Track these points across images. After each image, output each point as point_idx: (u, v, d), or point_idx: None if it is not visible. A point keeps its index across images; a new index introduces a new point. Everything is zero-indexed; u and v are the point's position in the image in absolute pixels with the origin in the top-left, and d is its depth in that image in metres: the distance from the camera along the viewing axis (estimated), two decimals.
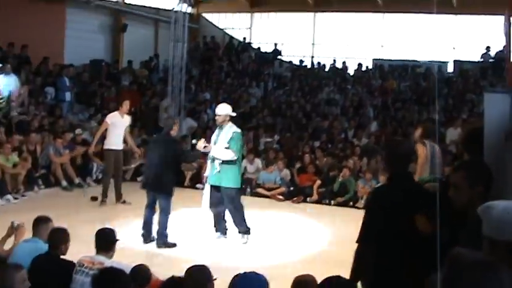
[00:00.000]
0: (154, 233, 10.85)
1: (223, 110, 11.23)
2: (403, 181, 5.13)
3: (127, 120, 14.30)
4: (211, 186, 11.16)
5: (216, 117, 11.44)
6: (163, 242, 10.71)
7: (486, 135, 4.48)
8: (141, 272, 5.93)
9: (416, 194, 5.02)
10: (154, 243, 10.77)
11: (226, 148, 10.90)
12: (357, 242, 5.07)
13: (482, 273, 2.24)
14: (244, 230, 11.21)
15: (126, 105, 14.13)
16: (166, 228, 10.75)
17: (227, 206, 11.12)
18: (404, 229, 4.69)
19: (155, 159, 10.93)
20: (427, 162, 9.43)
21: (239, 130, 11.21)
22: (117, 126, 13.86)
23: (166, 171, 10.93)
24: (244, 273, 3.86)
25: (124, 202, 14.00)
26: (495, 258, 2.48)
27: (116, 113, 14.14)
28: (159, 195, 10.84)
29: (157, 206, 10.95)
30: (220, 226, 11.36)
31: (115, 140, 13.89)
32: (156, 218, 10.89)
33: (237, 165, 11.05)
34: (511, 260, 2.61)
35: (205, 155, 12.05)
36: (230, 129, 11.05)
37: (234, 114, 11.49)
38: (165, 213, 10.74)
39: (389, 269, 4.79)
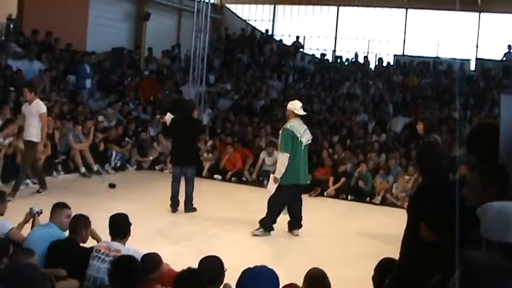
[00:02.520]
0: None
1: (289, 105, 11.41)
2: (441, 179, 5.12)
3: (33, 107, 12.71)
4: None
5: None
6: (190, 207, 12.48)
7: (502, 136, 4.47)
8: (151, 260, 6.00)
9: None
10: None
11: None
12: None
13: (498, 278, 2.25)
14: (264, 225, 11.21)
15: (25, 92, 12.95)
16: (192, 195, 12.54)
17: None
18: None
19: (183, 137, 12.42)
20: None
21: (288, 126, 11.09)
22: (26, 116, 12.79)
23: (193, 146, 12.98)
24: (255, 267, 3.80)
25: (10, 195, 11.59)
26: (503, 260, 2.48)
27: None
28: (186, 167, 12.48)
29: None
30: (292, 222, 11.48)
31: (25, 131, 12.86)
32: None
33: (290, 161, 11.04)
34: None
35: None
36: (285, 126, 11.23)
37: (299, 112, 11.25)
38: (192, 183, 12.57)
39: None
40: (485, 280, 2.25)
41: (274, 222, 11.26)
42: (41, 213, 7.48)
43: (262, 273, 3.66)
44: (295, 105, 11.27)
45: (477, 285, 2.25)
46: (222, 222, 11.96)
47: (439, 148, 5.77)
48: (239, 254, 9.69)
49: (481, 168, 4.18)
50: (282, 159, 11.02)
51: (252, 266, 3.72)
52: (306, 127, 11.46)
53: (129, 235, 6.61)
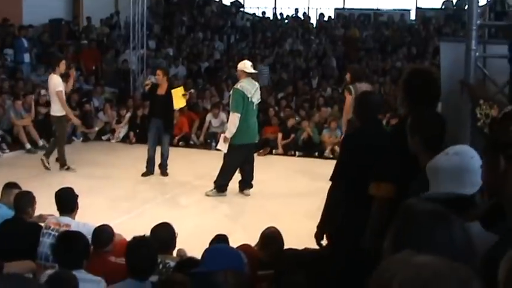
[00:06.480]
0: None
1: (239, 65, 11.53)
2: (376, 125, 5.53)
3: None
4: None
5: None
6: (166, 170, 12.86)
7: (442, 82, 4.51)
8: (103, 233, 5.97)
9: (387, 136, 5.34)
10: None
11: None
12: (330, 179, 5.37)
13: (432, 222, 2.24)
14: (218, 185, 11.30)
15: (63, 65, 12.84)
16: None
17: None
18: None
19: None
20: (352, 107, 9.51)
21: (239, 86, 11.15)
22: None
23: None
24: (215, 247, 3.72)
25: (68, 168, 13.09)
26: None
27: (56, 76, 12.75)
28: (164, 133, 12.79)
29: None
30: (243, 182, 11.58)
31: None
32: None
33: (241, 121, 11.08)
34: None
35: None
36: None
37: (250, 70, 11.33)
38: (168, 147, 12.93)
39: (358, 204, 4.90)
40: (420, 224, 2.25)
41: (228, 182, 11.34)
42: None
43: (224, 252, 3.58)
44: (246, 64, 11.38)
45: (412, 229, 2.25)
46: (174, 186, 12.04)
47: (376, 97, 6.22)
48: (195, 218, 9.75)
49: (411, 116, 4.22)
50: (233, 119, 11.08)
51: (214, 245, 3.64)
52: (257, 86, 11.55)
53: (77, 208, 6.53)
